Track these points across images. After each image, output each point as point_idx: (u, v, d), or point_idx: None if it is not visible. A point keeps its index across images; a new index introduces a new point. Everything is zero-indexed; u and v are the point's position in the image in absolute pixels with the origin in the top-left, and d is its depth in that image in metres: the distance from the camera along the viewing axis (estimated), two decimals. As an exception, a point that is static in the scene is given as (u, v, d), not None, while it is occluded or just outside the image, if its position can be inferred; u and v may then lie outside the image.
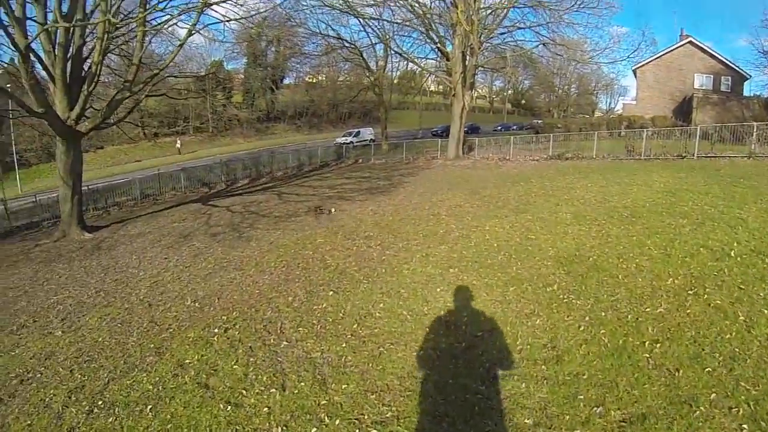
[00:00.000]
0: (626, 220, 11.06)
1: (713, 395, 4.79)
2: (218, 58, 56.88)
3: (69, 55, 16.25)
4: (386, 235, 12.53)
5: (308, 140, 48.69)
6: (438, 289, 8.49)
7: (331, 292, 8.85)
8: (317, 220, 15.47)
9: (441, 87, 65.07)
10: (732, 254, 8.23)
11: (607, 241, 9.89)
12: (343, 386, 5.70)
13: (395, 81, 53.61)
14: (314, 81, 67.73)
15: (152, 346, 7.43)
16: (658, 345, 5.84)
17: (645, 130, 24.08)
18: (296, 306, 8.39)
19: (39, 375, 6.97)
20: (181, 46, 18.50)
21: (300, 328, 7.42)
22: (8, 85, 20.47)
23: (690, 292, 7.14)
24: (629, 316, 6.67)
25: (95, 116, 17.55)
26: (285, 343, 6.99)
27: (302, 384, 5.81)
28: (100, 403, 5.98)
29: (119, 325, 8.50)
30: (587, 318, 6.78)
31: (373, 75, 39.58)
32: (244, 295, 9.27)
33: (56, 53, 15.73)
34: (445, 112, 58.84)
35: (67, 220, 17.27)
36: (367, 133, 46.78)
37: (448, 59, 29.46)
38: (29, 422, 5.75)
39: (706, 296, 6.94)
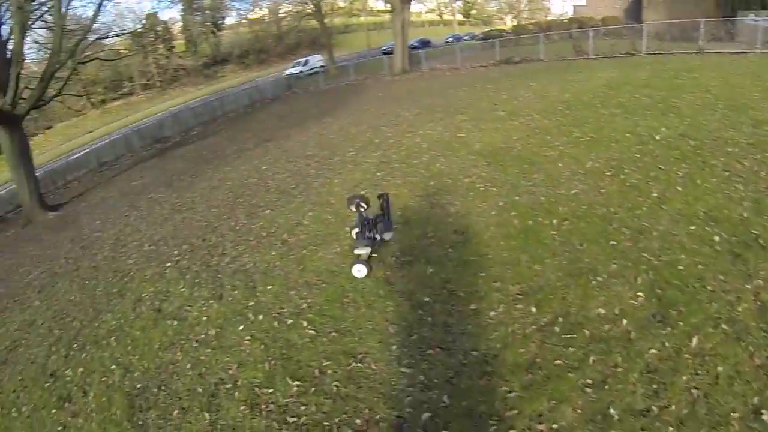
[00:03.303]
0: (559, 113, 11.21)
1: (614, 266, 4.97)
2: (151, 11, 53.30)
3: None
4: (325, 152, 12.96)
5: (258, 77, 46.96)
6: (362, 192, 8.86)
7: (269, 210, 9.43)
8: (264, 150, 15.69)
9: (388, 5, 61.79)
10: (657, 138, 8.45)
11: (535, 133, 10.09)
12: (269, 287, 6.38)
13: (337, 4, 50.87)
14: (257, 17, 64.28)
15: (115, 290, 8.07)
16: (566, 223, 6.12)
17: (592, 29, 23.91)
18: (237, 228, 8.98)
19: (24, 340, 7.60)
20: (100, 4, 17.53)
21: (238, 246, 8.08)
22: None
23: (608, 174, 7.40)
24: (542, 199, 6.99)
25: (31, 96, 16.98)
26: (225, 262, 7.65)
27: (236, 292, 6.51)
28: (75, 346, 6.70)
29: (87, 281, 9.07)
30: (501, 203, 7.16)
31: (312, 1, 37.63)
32: (194, 229, 9.82)
33: None
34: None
35: (29, 206, 17.23)
36: (316, 60, 44.77)
37: (381, -28, 28.57)
38: (21, 377, 6.45)
39: (623, 176, 7.21)
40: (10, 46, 16.40)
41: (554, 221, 6.20)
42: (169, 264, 8.35)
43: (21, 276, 11.20)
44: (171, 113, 30.27)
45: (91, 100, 46.81)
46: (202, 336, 5.77)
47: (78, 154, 26.47)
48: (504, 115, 12.18)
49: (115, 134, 28.78)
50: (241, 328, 5.68)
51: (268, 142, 16.98)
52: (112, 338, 6.47)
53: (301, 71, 41.18)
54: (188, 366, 5.30)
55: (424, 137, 11.79)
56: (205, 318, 6.11)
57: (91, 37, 20.69)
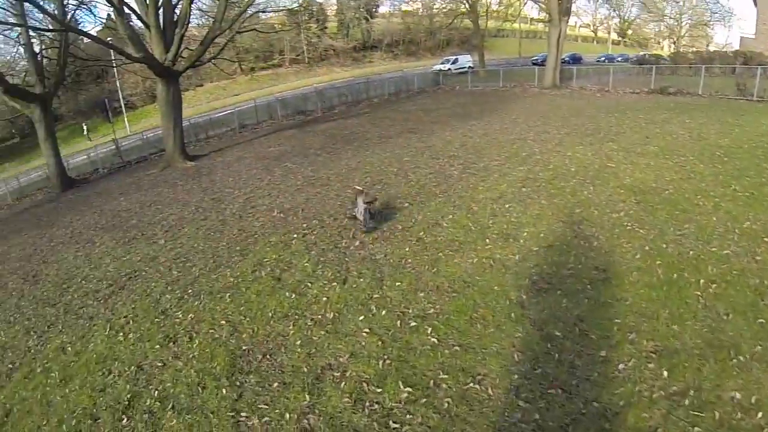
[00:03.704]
0: (717, 159, 10.40)
1: (758, 348, 4.53)
2: None
3: (160, 3, 18.14)
4: (470, 156, 12.81)
5: (405, 68, 48.45)
6: (507, 205, 8.73)
7: (407, 204, 9.38)
8: (407, 141, 15.84)
9: (543, 15, 61.04)
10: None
11: (690, 176, 9.43)
12: (397, 284, 6.30)
13: (492, 7, 51.24)
14: (410, 10, 67.09)
15: (238, 249, 8.56)
16: (714, 286, 5.55)
17: (759, 67, 21.67)
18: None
19: (144, 273, 8.45)
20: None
21: (370, 234, 8.09)
22: (109, 39, 23.16)
23: (766, 239, 6.59)
24: (691, 253, 6.39)
25: (190, 56, 19.65)
26: (355, 245, 7.73)
27: (361, 280, 6.50)
28: (189, 291, 7.23)
29: (212, 233, 9.80)
30: (647, 247, 6.63)
31: (467, 0, 38.37)
32: (326, 206, 10.15)
33: (148, 3, 17.71)
34: (545, 41, 55.32)
35: (171, 152, 19.66)
36: (465, 60, 46.21)
37: (542, -19, 28.19)
38: (133, 306, 7.15)
39: (784, 248, 6.35)
40: (177, 11, 18.98)
41: (701, 281, 5.70)
42: (295, 235, 8.65)
43: (153, 213, 12.55)
44: (316, 89, 32.19)
45: (242, 66, 51.85)
46: (319, 317, 5.80)
47: (222, 113, 29.25)
48: (656, 150, 11.52)
49: (260, 100, 31.20)
50: (361, 318, 5.63)
51: (412, 134, 17.23)
52: (227, 294, 6.79)
53: (449, 68, 42.41)
54: (298, 342, 5.35)
55: (573, 160, 11.35)
56: (324, 299, 6.15)
57: (251, 10, 23.11)
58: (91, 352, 6.03)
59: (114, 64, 30.38)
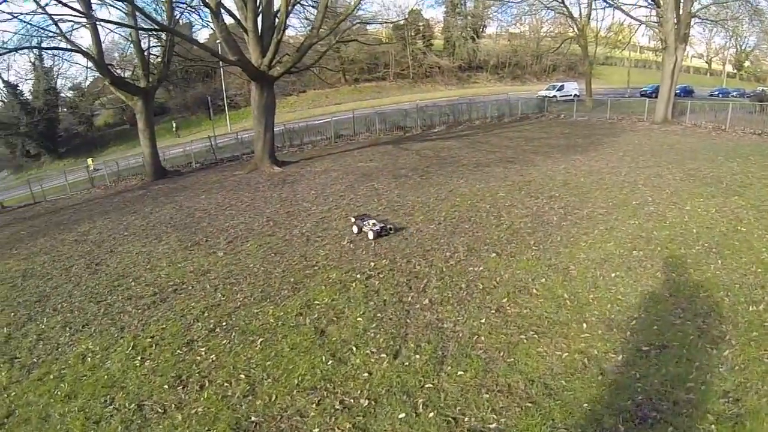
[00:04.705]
0: None
1: None
2: (416, 7, 57.84)
3: (259, 8, 18.18)
4: (572, 198, 11.01)
5: (510, 91, 46.30)
6: (613, 275, 6.87)
7: (494, 254, 7.81)
8: (505, 172, 14.21)
9: (653, 43, 56.56)
10: None
11: None
12: (459, 373, 4.79)
13: (601, 33, 48.15)
14: (517, 32, 65.19)
15: (292, 280, 7.50)
16: None
17: None
18: (451, 264, 7.61)
19: (190, 287, 7.70)
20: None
21: (445, 290, 6.65)
22: (217, 41, 23.93)
23: None
24: None
25: (286, 62, 19.37)
26: (422, 303, 6.31)
27: (417, 357, 5.07)
28: (224, 324, 6.28)
29: (273, 254, 8.87)
30: None
31: (576, 24, 36.41)
32: (403, 243, 8.85)
33: (247, 8, 17.74)
34: (655, 71, 52.68)
35: (259, 155, 19.46)
36: (572, 87, 43.85)
37: (658, 5, 25.77)
38: (164, 326, 6.40)
39: None
40: (277, 17, 18.77)
41: None
42: (359, 276, 7.46)
43: (225, 219, 12.01)
44: (418, 105, 31.24)
45: (346, 76, 52.41)
46: (351, 400, 4.47)
47: (319, 121, 29.10)
48: None
49: (359, 112, 30.83)
50: (401, 416, 4.22)
51: (510, 164, 15.58)
52: (260, 340, 5.72)
53: (555, 95, 40.18)
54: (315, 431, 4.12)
55: (693, 217, 9.22)
56: (365, 375, 4.81)
57: (353, 21, 22.78)
58: (105, 371, 5.47)
59: (220, 65, 31.47)
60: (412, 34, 55.78)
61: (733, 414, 4.05)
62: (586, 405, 4.26)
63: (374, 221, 9.52)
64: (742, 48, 75.38)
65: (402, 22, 46.07)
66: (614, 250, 7.76)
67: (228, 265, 8.56)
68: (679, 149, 17.24)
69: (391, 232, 9.39)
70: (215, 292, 7.37)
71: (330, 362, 5.03)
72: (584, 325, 5.59)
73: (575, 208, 10.23)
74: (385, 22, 38.92)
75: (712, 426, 3.93)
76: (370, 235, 9.15)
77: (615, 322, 5.62)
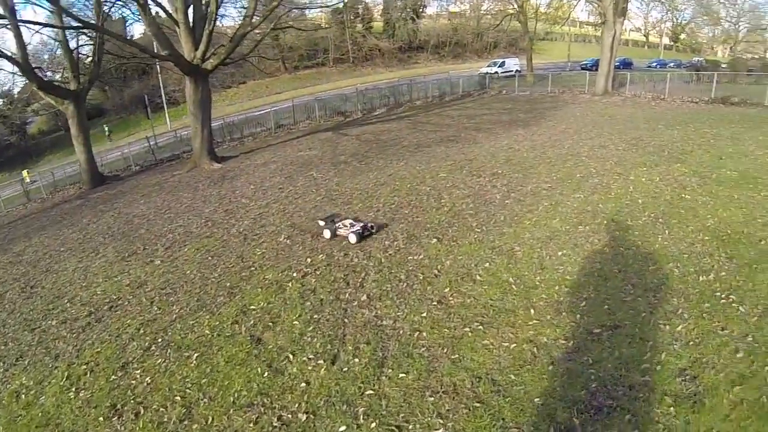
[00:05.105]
0: None
1: None
2: None
3: None
4: (515, 174, 11.01)
5: (451, 70, 46.51)
6: (560, 253, 6.79)
7: (435, 240, 7.68)
8: (446, 151, 14.18)
9: (592, 18, 58.40)
10: None
11: None
12: (401, 375, 4.53)
13: (541, 9, 49.04)
14: (457, 10, 65.38)
15: (228, 284, 7.16)
16: None
17: None
18: (390, 253, 7.41)
19: (126, 303, 7.25)
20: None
21: (384, 284, 6.42)
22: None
23: None
24: None
25: (219, 53, 18.42)
26: (360, 300, 6.07)
27: (356, 360, 4.82)
28: (159, 341, 5.93)
29: (210, 258, 8.49)
30: (750, 338, 4.58)
31: (516, 1, 36.80)
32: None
33: None
34: (595, 45, 53.87)
35: (198, 152, 18.65)
36: (513, 63, 44.16)
37: (596, -22, 26.27)
38: (98, 350, 5.97)
39: None
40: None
41: None
42: (295, 274, 7.15)
43: (163, 223, 11.45)
44: (358, 89, 30.81)
45: (286, 65, 51.05)
46: (289, 415, 4.24)
47: (259, 113, 28.28)
48: (735, 177, 9.43)
49: (298, 100, 30.16)
50: (341, 429, 4.00)
51: (452, 143, 15.55)
52: (195, 355, 5.40)
53: (496, 72, 40.50)
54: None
55: (638, 187, 9.33)
56: (303, 385, 4.55)
57: (289, 7, 21.83)
58: (39, 408, 5.07)
59: (155, 62, 30.00)
60: (351, 17, 54.83)
61: (691, 393, 3.98)
62: (537, 399, 4.09)
63: (350, 221, 8.53)
64: (678, 21, 78.81)
65: (341, 6, 45.15)
66: (560, 227, 7.73)
67: (165, 273, 8.13)
68: (621, 119, 17.70)
69: (374, 231, 8.32)
70: (151, 305, 6.97)
71: (266, 374, 4.77)
72: (532, 311, 5.41)
73: (519, 184, 10.21)
74: (323, 7, 37.94)
75: (671, 408, 3.83)
76: (353, 239, 7.96)
77: (564, 304, 5.49)
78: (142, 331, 6.22)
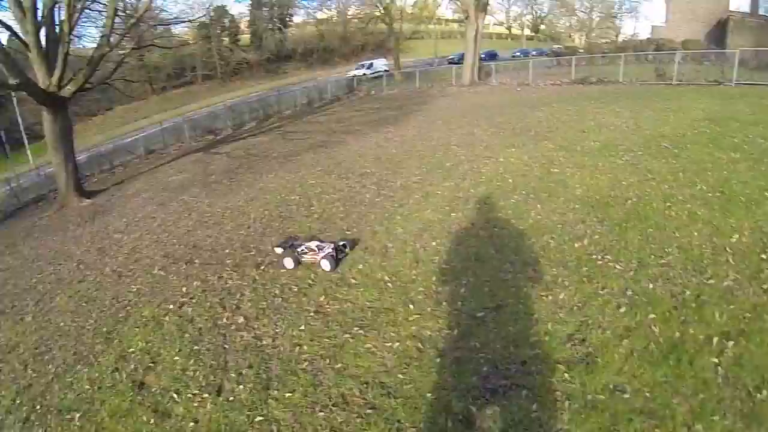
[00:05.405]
0: (668, 153, 9.25)
1: None
2: (222, 4, 54.43)
3: (40, 19, 15.06)
4: (385, 171, 11.10)
5: (320, 76, 46.40)
6: (434, 243, 6.87)
7: (307, 249, 7.60)
8: (315, 158, 14.12)
9: (457, 15, 61.68)
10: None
11: (647, 177, 8.06)
12: (288, 394, 4.32)
13: (407, 10, 50.65)
14: (324, 17, 65.02)
15: (105, 330, 6.52)
16: (731, 345, 3.85)
17: (677, 52, 22.82)
18: (262, 270, 7.16)
19: None
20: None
21: (259, 302, 6.21)
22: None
23: (763, 256, 5.16)
24: (687, 292, 4.68)
25: (77, 78, 16.37)
26: (238, 323, 5.81)
27: (241, 387, 4.57)
28: (38, 408, 5.22)
29: (84, 304, 7.67)
30: (629, 292, 4.86)
31: (380, 3, 37.23)
32: (215, 256, 8.19)
33: (26, 18, 14.54)
34: (461, 40, 56.71)
35: (64, 190, 16.59)
36: (381, 64, 44.87)
37: (457, -22, 27.63)
38: None
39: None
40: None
41: (713, 339, 3.92)
42: (171, 306, 6.66)
43: (32, 273, 10.13)
44: (227, 106, 29.56)
45: (153, 86, 47.52)
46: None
47: (128, 140, 26.09)
48: (599, 147, 10.25)
49: (168, 122, 28.23)
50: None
51: (321, 149, 15.44)
52: (78, 415, 4.83)
53: (364, 74, 40.86)
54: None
55: (508, 168, 9.74)
56: (191, 425, 4.25)
57: (151, 24, 20.22)
58: None
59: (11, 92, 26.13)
60: (218, 31, 52.39)
61: (583, 355, 4.02)
62: (429, 394, 3.95)
63: (315, 243, 6.99)
64: (538, 14, 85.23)
65: (206, 20, 42.60)
66: (432, 217, 7.79)
67: (38, 330, 7.17)
68: (488, 107, 18.32)
69: (347, 250, 6.99)
70: (26, 369, 6.10)
71: (152, 420, 4.41)
72: (411, 306, 5.27)
73: (389, 181, 10.28)
74: (187, 21, 35.61)
75: (565, 374, 3.84)
76: (326, 266, 6.51)
77: (443, 294, 5.40)
78: (18, 401, 5.42)
